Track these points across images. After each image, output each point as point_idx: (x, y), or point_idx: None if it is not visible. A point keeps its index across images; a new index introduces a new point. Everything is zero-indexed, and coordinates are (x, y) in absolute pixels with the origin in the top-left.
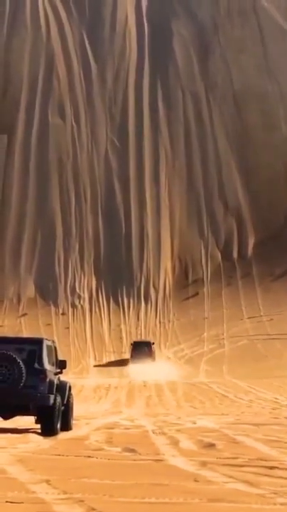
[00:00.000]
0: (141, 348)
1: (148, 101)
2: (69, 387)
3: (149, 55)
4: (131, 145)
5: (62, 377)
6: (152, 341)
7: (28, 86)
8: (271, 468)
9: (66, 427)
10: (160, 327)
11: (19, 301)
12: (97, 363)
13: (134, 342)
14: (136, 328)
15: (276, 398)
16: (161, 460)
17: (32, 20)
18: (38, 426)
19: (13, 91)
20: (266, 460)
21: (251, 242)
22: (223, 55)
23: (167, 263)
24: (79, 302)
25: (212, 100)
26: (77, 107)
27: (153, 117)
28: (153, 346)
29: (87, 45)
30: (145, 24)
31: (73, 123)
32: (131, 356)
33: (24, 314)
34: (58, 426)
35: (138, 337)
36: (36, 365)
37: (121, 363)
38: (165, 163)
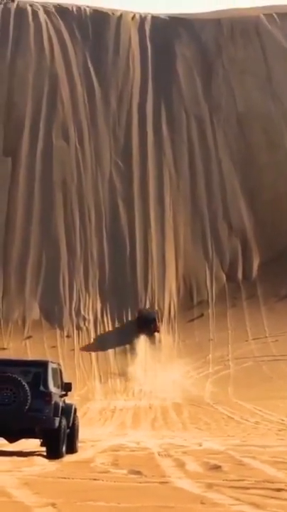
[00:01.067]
0: (146, 323)
1: (152, 122)
2: (75, 410)
3: (152, 77)
4: (135, 167)
5: (68, 400)
6: (156, 313)
7: (31, 109)
8: (278, 490)
9: (71, 449)
10: (165, 349)
11: (24, 323)
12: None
13: (139, 316)
14: (142, 350)
15: (282, 420)
16: (167, 482)
17: (35, 43)
18: (44, 449)
19: (17, 114)
20: (272, 482)
21: (255, 263)
22: (226, 76)
23: (171, 284)
24: (85, 324)
25: (216, 121)
26: (81, 129)
27: (157, 139)
28: (157, 318)
29: (91, 68)
30: (149, 46)
31: (77, 145)
32: (137, 329)
33: (29, 337)
34: (63, 449)
35: (144, 305)
36: (41, 388)
37: (121, 337)
38: (169, 184)
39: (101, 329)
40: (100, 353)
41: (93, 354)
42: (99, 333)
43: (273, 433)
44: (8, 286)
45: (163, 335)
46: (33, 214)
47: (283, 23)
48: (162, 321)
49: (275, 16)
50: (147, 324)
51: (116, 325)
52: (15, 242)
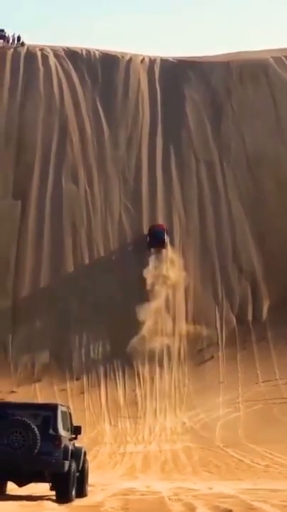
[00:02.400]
0: (156, 238)
1: (161, 165)
2: (85, 453)
3: (162, 120)
4: (144, 209)
5: (77, 443)
6: (166, 229)
7: (41, 152)
8: None
9: (81, 493)
10: (175, 391)
11: (33, 366)
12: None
13: (151, 231)
14: (151, 393)
15: None
16: None
17: (45, 87)
18: (53, 493)
19: (27, 157)
20: None
21: (265, 305)
22: (236, 119)
23: (181, 327)
24: (94, 367)
25: (226, 164)
26: (91, 172)
27: (167, 181)
28: (166, 236)
29: (100, 111)
30: (158, 89)
31: (86, 188)
32: (149, 245)
33: (38, 380)
34: (73, 492)
35: (155, 221)
36: (51, 431)
37: (131, 379)
38: (178, 227)
39: (111, 372)
40: (110, 396)
41: (103, 397)
42: (108, 375)
43: (283, 476)
44: (18, 328)
45: (173, 377)
46: (42, 256)
47: None
48: (172, 363)
49: (284, 59)
50: (157, 240)
51: (126, 367)
52: (25, 285)
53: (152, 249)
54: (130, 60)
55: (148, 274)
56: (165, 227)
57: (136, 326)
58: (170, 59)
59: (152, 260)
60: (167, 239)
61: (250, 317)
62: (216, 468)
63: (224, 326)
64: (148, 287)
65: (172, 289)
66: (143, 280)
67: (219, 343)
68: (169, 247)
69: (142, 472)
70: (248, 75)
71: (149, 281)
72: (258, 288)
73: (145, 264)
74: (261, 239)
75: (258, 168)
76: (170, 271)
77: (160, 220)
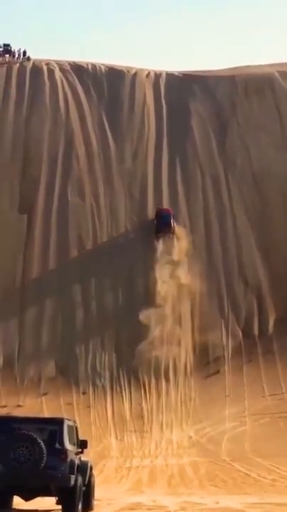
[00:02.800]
0: (163, 223)
1: (167, 179)
2: (91, 467)
3: (167, 134)
4: (150, 223)
5: (84, 457)
6: (172, 213)
7: (47, 166)
8: None
9: (87, 507)
10: (181, 405)
11: (40, 380)
12: None
13: (158, 215)
14: (158, 407)
15: None
16: None
17: (51, 101)
18: (59, 507)
19: (33, 171)
20: None
21: (271, 318)
22: (241, 133)
23: (187, 341)
24: (100, 381)
25: (231, 178)
26: (97, 185)
27: (172, 195)
28: (173, 220)
29: (106, 125)
30: (163, 103)
31: (93, 201)
32: (156, 230)
33: (45, 394)
34: (79, 507)
35: (161, 205)
36: (57, 446)
37: (136, 392)
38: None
39: (117, 385)
40: (116, 409)
41: (109, 411)
42: (114, 389)
43: None
44: (24, 342)
45: (179, 391)
46: (48, 270)
47: None
48: (178, 377)
49: None
50: (164, 224)
51: (132, 380)
52: (31, 299)
53: (159, 234)
54: (135, 74)
55: (158, 266)
56: (172, 211)
57: (142, 335)
58: (176, 73)
59: (159, 248)
60: (173, 223)
61: (256, 330)
62: (222, 483)
63: (230, 340)
64: (156, 295)
65: (179, 290)
66: (151, 291)
67: (225, 356)
68: (175, 238)
69: (148, 486)
70: (254, 89)
71: (158, 283)
72: (264, 301)
73: (153, 264)
74: (267, 253)
75: (263, 182)
76: (178, 271)
77: None
